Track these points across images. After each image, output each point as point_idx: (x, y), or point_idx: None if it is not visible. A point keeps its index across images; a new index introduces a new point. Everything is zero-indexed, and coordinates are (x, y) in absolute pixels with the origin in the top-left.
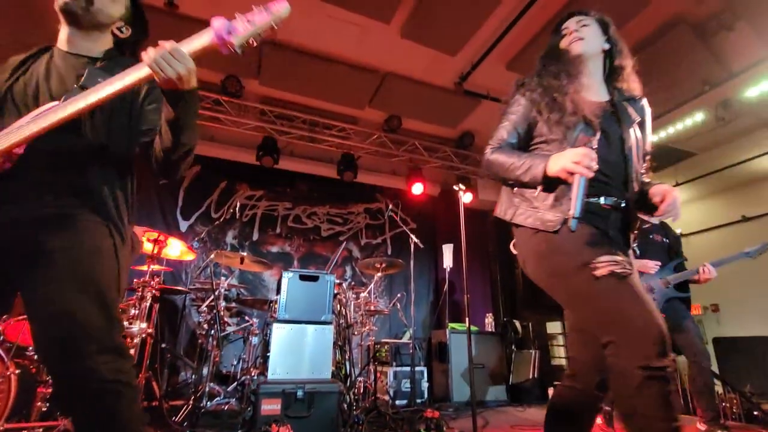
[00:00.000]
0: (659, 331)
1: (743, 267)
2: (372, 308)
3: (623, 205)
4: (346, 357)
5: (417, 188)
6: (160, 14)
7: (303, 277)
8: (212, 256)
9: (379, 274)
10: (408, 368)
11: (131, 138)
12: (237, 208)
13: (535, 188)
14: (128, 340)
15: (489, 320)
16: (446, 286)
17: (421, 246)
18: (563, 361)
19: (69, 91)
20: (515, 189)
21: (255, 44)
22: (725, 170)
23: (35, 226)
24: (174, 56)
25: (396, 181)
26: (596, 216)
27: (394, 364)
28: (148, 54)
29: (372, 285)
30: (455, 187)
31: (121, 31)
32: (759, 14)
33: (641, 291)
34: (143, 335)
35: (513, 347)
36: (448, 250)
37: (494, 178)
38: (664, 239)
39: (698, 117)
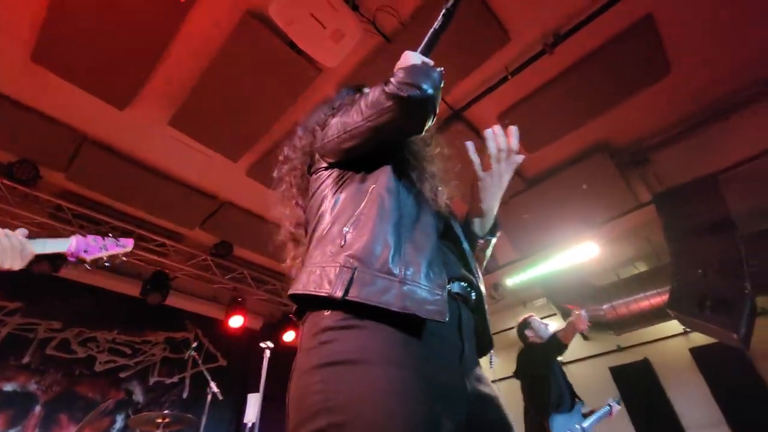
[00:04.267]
0: None
1: None
2: None
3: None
4: None
5: (236, 321)
6: None
7: None
8: None
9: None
10: None
11: None
12: None
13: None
14: None
15: None
16: None
17: (220, 397)
18: None
19: None
20: (345, 243)
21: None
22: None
23: None
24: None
25: (214, 309)
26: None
27: None
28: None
29: None
30: (262, 345)
31: None
32: (512, 229)
33: None
34: None
35: None
36: (253, 402)
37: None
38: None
39: None
